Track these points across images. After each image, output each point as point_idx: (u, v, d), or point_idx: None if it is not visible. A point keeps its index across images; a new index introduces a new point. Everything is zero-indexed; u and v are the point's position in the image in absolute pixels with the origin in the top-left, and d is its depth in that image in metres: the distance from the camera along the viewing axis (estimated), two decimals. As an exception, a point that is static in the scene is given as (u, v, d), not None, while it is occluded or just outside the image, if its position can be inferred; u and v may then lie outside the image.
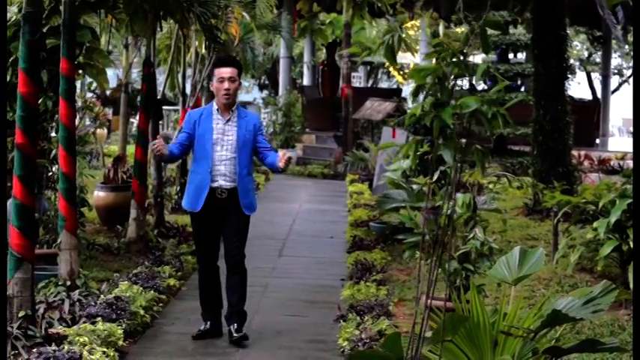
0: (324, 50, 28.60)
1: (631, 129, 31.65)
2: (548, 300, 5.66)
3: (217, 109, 7.22)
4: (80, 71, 10.53)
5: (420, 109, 2.77)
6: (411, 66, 29.81)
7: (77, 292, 7.71)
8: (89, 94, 23.13)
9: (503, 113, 2.90)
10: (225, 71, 7.15)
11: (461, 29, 21.17)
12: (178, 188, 14.14)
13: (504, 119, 2.91)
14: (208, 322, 7.35)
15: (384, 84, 40.01)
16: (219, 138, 7.17)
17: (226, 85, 7.12)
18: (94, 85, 11.31)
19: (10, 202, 7.42)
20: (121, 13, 10.70)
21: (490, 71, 2.93)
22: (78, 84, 12.60)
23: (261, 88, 40.71)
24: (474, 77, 2.85)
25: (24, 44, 6.76)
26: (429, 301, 7.36)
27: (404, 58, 31.27)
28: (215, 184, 7.15)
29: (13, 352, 6.28)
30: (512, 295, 5.46)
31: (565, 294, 7.82)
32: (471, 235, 7.12)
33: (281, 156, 7.14)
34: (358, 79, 37.48)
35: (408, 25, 26.79)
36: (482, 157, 3.01)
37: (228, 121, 7.19)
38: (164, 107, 25.31)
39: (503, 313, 5.12)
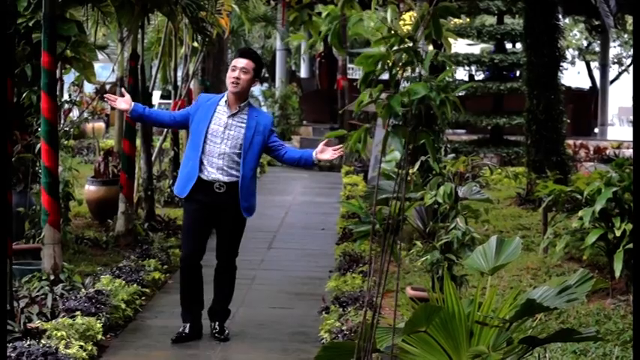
0: (321, 42, 28.48)
1: (630, 117, 31.57)
2: (523, 290, 5.65)
3: (226, 101, 7.12)
4: (67, 65, 10.53)
5: (367, 96, 2.73)
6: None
7: (60, 286, 7.67)
8: (91, 88, 23.11)
9: (453, 99, 2.87)
10: (240, 61, 7.05)
11: (454, 20, 21.09)
12: (171, 182, 14.10)
13: (455, 106, 2.87)
14: (187, 326, 7.15)
15: (384, 75, 39.88)
16: (218, 130, 7.01)
17: (236, 73, 6.99)
18: (82, 78, 11.35)
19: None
20: (108, 6, 10.68)
21: (438, 59, 2.90)
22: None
23: (261, 81, 40.64)
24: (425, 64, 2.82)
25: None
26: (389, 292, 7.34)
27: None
28: (212, 177, 7.03)
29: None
30: (488, 284, 5.42)
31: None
32: (453, 225, 7.09)
33: (328, 148, 7.12)
34: (357, 71, 37.36)
35: (406, 16, 26.69)
36: (432, 144, 2.99)
37: (234, 115, 7.05)
38: (162, 101, 25.34)
39: (479, 303, 5.09)
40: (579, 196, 8.72)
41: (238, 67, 7.04)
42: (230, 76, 7.06)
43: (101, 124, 25.56)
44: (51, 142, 7.96)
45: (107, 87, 25.15)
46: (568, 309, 7.75)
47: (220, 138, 7.02)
